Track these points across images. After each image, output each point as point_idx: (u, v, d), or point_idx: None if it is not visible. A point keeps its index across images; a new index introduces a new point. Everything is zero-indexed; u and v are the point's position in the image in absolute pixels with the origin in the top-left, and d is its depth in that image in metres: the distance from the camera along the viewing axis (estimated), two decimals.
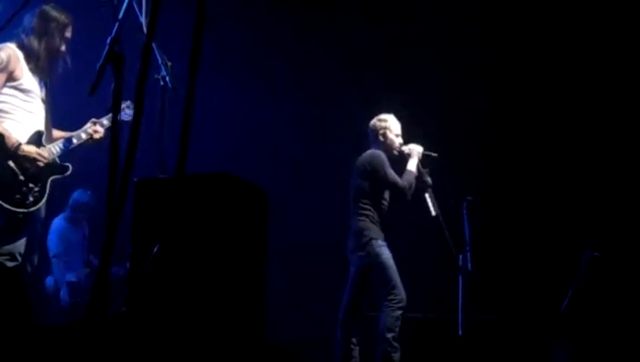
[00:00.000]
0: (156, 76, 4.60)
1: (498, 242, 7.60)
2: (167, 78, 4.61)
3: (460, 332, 6.23)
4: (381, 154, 6.17)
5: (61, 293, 7.14)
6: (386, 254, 5.96)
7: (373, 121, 6.34)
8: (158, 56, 4.62)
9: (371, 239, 5.99)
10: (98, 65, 3.37)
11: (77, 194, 7.40)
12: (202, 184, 3.47)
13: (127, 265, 3.73)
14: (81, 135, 4.93)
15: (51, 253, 7.25)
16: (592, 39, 7.57)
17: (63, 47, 4.94)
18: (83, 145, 4.96)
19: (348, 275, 6.13)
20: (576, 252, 6.52)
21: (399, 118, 6.37)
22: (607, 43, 7.53)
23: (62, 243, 7.32)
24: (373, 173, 6.08)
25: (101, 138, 4.93)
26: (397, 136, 6.32)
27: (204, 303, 3.29)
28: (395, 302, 5.84)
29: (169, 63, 4.65)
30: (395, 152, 6.29)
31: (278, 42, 8.06)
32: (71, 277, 7.15)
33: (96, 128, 4.94)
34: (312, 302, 7.59)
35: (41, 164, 4.72)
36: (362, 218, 6.06)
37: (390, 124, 6.31)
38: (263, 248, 3.67)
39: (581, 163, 7.63)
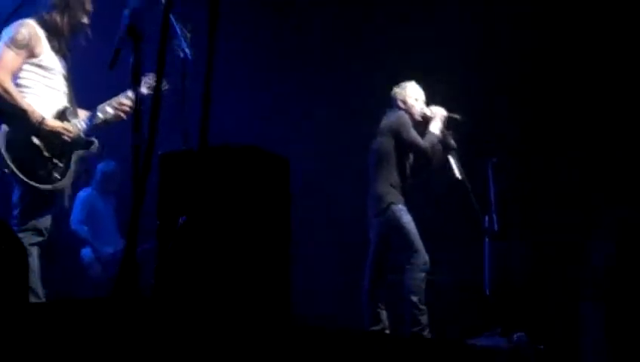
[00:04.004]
0: (176, 48, 4.60)
1: (524, 202, 7.56)
2: (187, 50, 4.60)
3: (488, 293, 6.25)
4: (404, 115, 6.15)
5: (96, 265, 7.18)
6: (405, 218, 5.95)
7: (394, 89, 6.31)
8: (177, 28, 4.61)
9: (391, 204, 5.98)
10: (117, 38, 3.38)
11: (102, 165, 7.44)
12: (225, 155, 3.47)
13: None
14: (107, 108, 4.90)
15: (80, 224, 7.28)
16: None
17: (86, 20, 4.91)
18: (109, 121, 4.93)
19: (370, 240, 6.15)
20: (603, 209, 6.50)
21: (420, 81, 6.33)
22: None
23: (89, 213, 7.36)
24: (396, 134, 6.06)
25: (128, 110, 4.87)
26: (417, 100, 6.28)
27: (232, 274, 3.32)
28: (417, 265, 5.83)
29: (188, 35, 4.64)
30: (417, 117, 6.25)
31: (302, 11, 8.01)
32: (107, 249, 7.20)
33: (122, 100, 4.90)
34: (337, 269, 7.62)
35: (66, 138, 4.72)
36: (382, 182, 6.05)
37: (409, 90, 6.27)
38: (286, 217, 3.68)
39: (606, 119, 7.55)
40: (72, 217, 7.17)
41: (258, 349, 2.75)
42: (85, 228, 7.26)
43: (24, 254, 3.50)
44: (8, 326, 2.68)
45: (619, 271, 6.07)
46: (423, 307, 5.82)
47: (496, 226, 6.34)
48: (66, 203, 4.89)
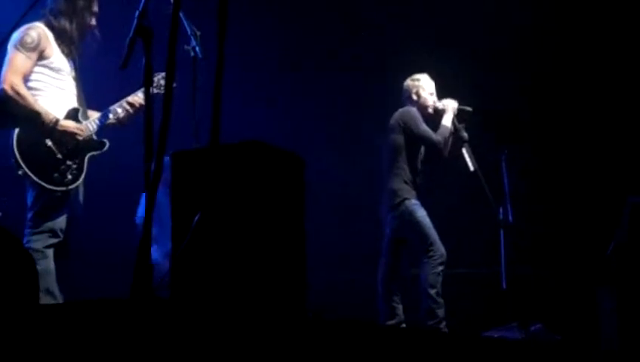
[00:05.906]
0: (186, 47, 4.61)
1: (538, 193, 7.54)
2: (197, 49, 4.61)
3: (504, 286, 6.23)
4: (414, 109, 6.15)
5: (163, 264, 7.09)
6: (419, 212, 5.95)
7: (407, 82, 6.30)
8: (187, 27, 4.62)
9: (405, 199, 5.98)
10: (127, 39, 3.39)
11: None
12: (237, 152, 3.47)
13: None
14: (117, 109, 4.92)
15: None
16: None
17: (93, 22, 4.95)
18: (122, 120, 4.94)
19: (384, 236, 6.15)
20: (619, 198, 6.46)
21: (432, 74, 6.32)
22: None
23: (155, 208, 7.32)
24: (406, 129, 6.05)
25: (139, 109, 4.87)
26: (431, 94, 6.26)
27: (247, 271, 3.32)
28: (434, 258, 5.83)
29: (198, 33, 4.64)
30: (430, 110, 6.24)
31: (314, 9, 7.99)
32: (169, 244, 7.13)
33: (131, 100, 4.92)
34: (351, 263, 7.60)
35: (79, 137, 4.75)
36: (395, 178, 6.04)
37: (423, 83, 6.26)
38: (301, 213, 3.68)
39: (621, 108, 7.52)
40: (138, 212, 7.20)
41: (273, 345, 2.76)
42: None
43: (29, 258, 3.48)
44: (15, 329, 2.68)
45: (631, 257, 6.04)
46: (440, 300, 5.81)
47: (510, 218, 6.33)
48: (82, 202, 4.91)
